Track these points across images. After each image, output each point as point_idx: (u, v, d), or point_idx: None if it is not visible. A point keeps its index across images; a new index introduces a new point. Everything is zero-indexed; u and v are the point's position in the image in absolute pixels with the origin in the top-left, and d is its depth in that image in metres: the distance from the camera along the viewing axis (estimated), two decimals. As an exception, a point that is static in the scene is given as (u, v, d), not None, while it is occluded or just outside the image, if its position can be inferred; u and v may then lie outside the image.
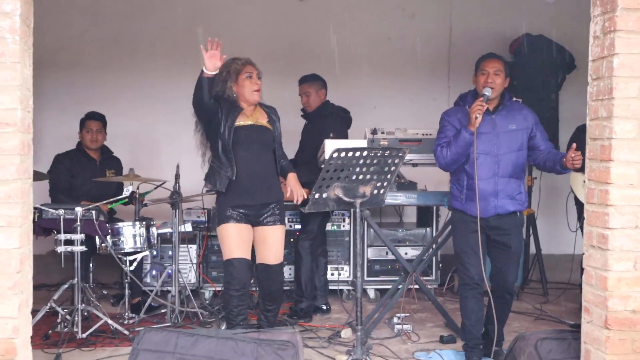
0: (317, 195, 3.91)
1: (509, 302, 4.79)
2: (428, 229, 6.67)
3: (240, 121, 4.63)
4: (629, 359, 3.34)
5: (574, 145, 4.29)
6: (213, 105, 4.52)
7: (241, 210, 4.61)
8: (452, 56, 7.64)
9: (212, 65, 4.27)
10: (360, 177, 3.97)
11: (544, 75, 7.10)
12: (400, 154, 4.03)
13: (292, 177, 4.76)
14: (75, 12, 7.36)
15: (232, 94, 4.64)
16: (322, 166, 4.01)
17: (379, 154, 3.95)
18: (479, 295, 4.62)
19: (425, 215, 6.81)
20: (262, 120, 4.74)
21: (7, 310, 3.11)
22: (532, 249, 7.04)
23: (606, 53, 3.36)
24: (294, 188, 4.70)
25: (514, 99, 4.79)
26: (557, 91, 7.25)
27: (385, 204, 5.97)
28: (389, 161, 4.01)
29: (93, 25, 7.45)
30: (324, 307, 6.11)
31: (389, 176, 4.09)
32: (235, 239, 4.59)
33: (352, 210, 6.06)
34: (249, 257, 4.66)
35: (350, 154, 3.84)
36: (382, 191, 4.13)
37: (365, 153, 3.89)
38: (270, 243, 4.70)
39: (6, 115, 3.08)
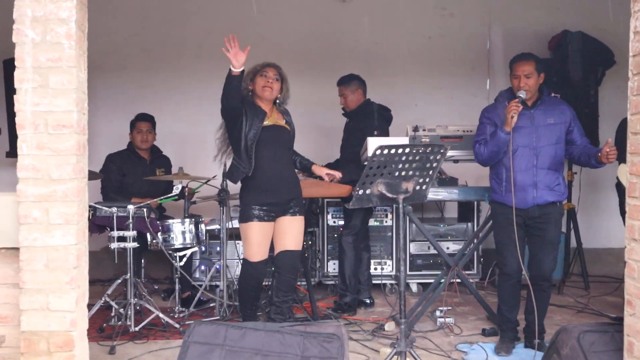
0: (360, 192, 4.00)
1: (548, 291, 4.91)
2: (469, 224, 6.73)
3: (264, 122, 4.82)
4: (671, 351, 3.36)
5: (609, 140, 4.40)
6: (240, 105, 4.73)
7: (265, 208, 4.79)
8: (492, 54, 7.65)
9: (238, 62, 4.51)
10: (403, 173, 4.05)
11: (583, 71, 7.07)
12: (442, 151, 4.10)
13: (316, 167, 5.07)
14: (124, 17, 7.54)
15: (247, 91, 4.85)
16: (366, 163, 4.10)
17: (420, 151, 4.02)
18: (517, 285, 4.84)
19: (466, 211, 6.87)
20: (281, 121, 4.94)
21: (65, 304, 3.25)
22: (573, 243, 7.06)
23: (646, 48, 3.39)
24: (326, 171, 5.00)
25: (552, 94, 4.90)
26: (596, 87, 7.22)
27: (427, 200, 6.08)
28: (431, 157, 4.09)
29: (141, 29, 7.63)
30: (368, 301, 6.21)
31: (430, 172, 4.16)
32: (258, 240, 4.81)
33: (394, 205, 6.16)
34: (266, 256, 4.89)
35: (392, 150, 3.92)
36: (424, 187, 4.21)
37: (407, 150, 3.96)
38: (291, 231, 4.90)
39: (63, 117, 3.22)
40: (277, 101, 4.96)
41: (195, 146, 7.26)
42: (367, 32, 7.67)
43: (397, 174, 4.03)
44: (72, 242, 3.25)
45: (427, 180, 4.19)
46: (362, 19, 7.67)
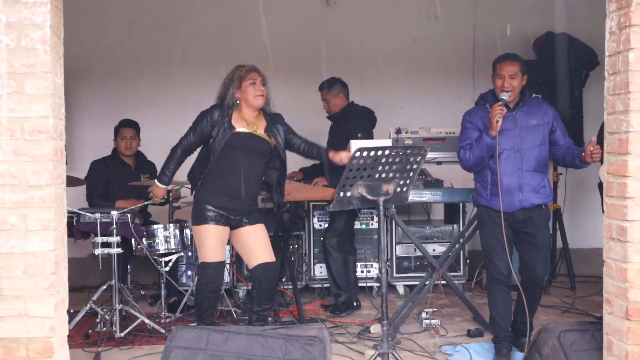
0: (341, 194, 4.00)
1: (538, 294, 4.87)
2: (455, 226, 6.74)
3: (240, 127, 4.72)
4: (650, 349, 3.38)
5: (593, 139, 4.38)
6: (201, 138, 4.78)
7: (221, 212, 4.70)
8: (477, 56, 7.67)
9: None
10: (383, 175, 4.05)
11: (567, 72, 7.12)
12: (422, 152, 4.11)
13: (332, 153, 4.75)
14: (109, 24, 7.51)
15: (233, 100, 4.72)
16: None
17: (400, 153, 4.02)
18: (507, 289, 4.74)
19: (452, 213, 6.88)
20: (261, 130, 4.80)
21: (44, 310, 3.24)
22: (559, 244, 7.09)
23: (622, 48, 3.42)
24: (341, 155, 4.63)
25: (534, 95, 4.88)
26: (580, 88, 7.26)
27: (411, 202, 6.12)
28: (411, 159, 4.09)
29: (127, 35, 7.62)
30: (354, 304, 6.21)
31: (411, 174, 4.16)
32: (214, 243, 4.70)
33: (386, 209, 6.19)
34: (223, 258, 4.82)
35: (372, 153, 3.92)
36: (405, 189, 4.21)
37: (387, 152, 3.96)
38: (259, 242, 4.80)
39: (39, 123, 3.21)
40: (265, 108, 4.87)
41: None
42: (353, 35, 7.70)
43: (377, 176, 4.03)
44: (50, 248, 3.25)
45: (408, 182, 4.19)
46: (348, 23, 7.70)
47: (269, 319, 5.38)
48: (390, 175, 4.08)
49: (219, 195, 4.69)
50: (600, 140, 4.23)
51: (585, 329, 3.94)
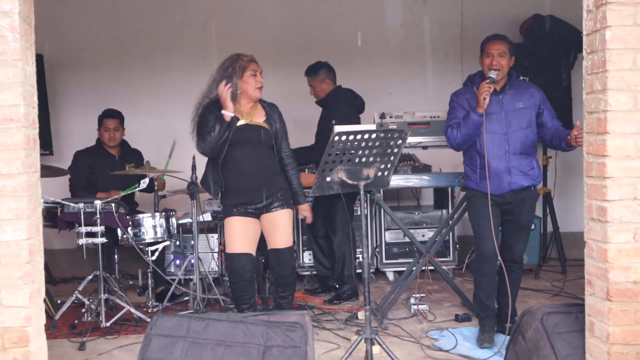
0: (320, 179, 3.98)
1: (519, 273, 4.91)
2: (444, 211, 6.71)
3: (239, 121, 4.68)
4: (632, 330, 3.34)
5: (578, 123, 4.36)
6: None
7: (242, 207, 4.71)
8: (465, 40, 7.61)
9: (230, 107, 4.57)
10: (364, 159, 4.02)
11: (555, 55, 7.07)
12: (402, 136, 4.08)
13: (303, 209, 4.98)
14: (95, 13, 7.49)
15: (236, 90, 4.66)
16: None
17: (381, 136, 3.99)
18: (492, 269, 4.77)
19: (442, 198, 6.86)
20: (258, 119, 4.78)
21: (19, 299, 3.20)
22: (550, 227, 7.06)
23: (599, 26, 3.37)
24: (309, 219, 5.04)
25: (521, 77, 4.87)
26: (568, 70, 7.21)
27: (398, 187, 6.12)
28: (391, 143, 4.06)
29: (112, 25, 7.57)
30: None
31: (392, 158, 4.13)
32: (238, 233, 4.70)
33: (368, 195, 6.15)
34: (252, 250, 4.76)
35: (351, 136, 3.90)
36: (386, 173, 4.18)
37: (366, 135, 3.93)
38: (277, 227, 4.77)
39: (10, 111, 3.16)
40: None
41: (170, 141, 7.22)
42: (340, 20, 7.66)
43: (357, 160, 4.00)
44: (23, 237, 3.21)
45: (389, 166, 4.17)
46: (335, 8, 7.66)
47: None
48: (371, 159, 4.06)
49: (234, 194, 4.71)
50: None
51: (569, 311, 3.90)
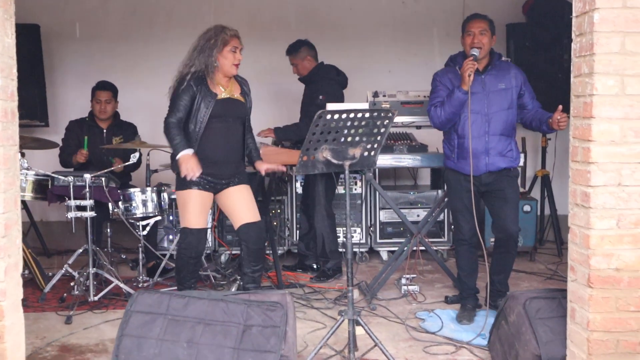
0: (305, 158, 3.93)
1: (513, 252, 4.89)
2: (440, 191, 6.65)
3: (220, 94, 4.69)
4: (612, 317, 3.31)
5: (560, 107, 4.35)
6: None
7: (208, 178, 4.67)
8: (466, 19, 7.52)
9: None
10: (349, 139, 3.97)
11: (556, 35, 6.97)
12: (388, 116, 4.02)
13: (258, 163, 4.94)
14: (94, -16, 7.47)
15: (214, 63, 4.63)
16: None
17: (366, 116, 3.94)
18: (473, 249, 4.85)
19: (438, 178, 6.81)
20: (236, 93, 4.79)
21: (-7, 274, 3.20)
22: (548, 210, 7.00)
23: (587, 8, 3.31)
24: (266, 167, 4.93)
25: (503, 58, 4.87)
26: (569, 51, 7.09)
27: (390, 166, 6.09)
28: (378, 122, 4.00)
29: (109, -3, 7.55)
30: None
31: (379, 138, 4.08)
32: (197, 208, 4.68)
33: (362, 174, 6.12)
34: (206, 225, 4.80)
35: (336, 116, 3.85)
36: (372, 153, 4.13)
37: (352, 115, 3.88)
38: (243, 202, 4.78)
39: (-14, 83, 3.14)
40: None
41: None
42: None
43: (343, 139, 3.95)
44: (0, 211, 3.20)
45: (376, 146, 4.12)
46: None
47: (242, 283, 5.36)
48: (357, 139, 4.01)
49: (204, 163, 4.63)
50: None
51: (553, 296, 3.89)
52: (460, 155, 4.68)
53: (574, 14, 3.49)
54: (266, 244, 6.08)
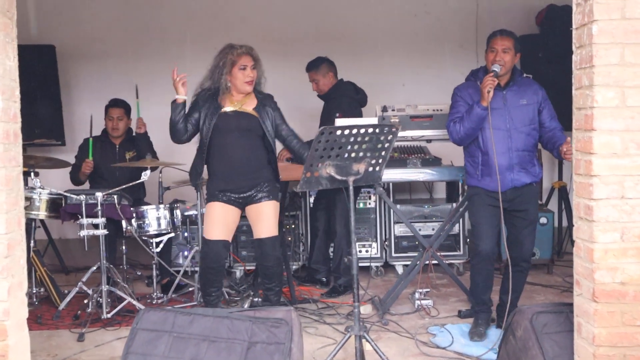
0: (308, 174, 3.93)
1: (526, 271, 4.88)
2: (454, 204, 6.61)
3: (227, 107, 4.74)
4: (618, 332, 3.26)
5: (569, 138, 4.31)
6: (189, 126, 4.80)
7: (228, 194, 4.73)
8: (480, 30, 7.50)
9: (184, 89, 4.70)
10: (353, 154, 3.96)
11: (569, 45, 6.88)
12: (392, 131, 4.01)
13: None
14: (106, 4, 7.54)
15: (226, 83, 4.69)
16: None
17: (369, 131, 3.93)
18: (490, 267, 4.78)
19: (453, 191, 6.77)
20: (248, 107, 4.79)
21: (-3, 293, 3.23)
22: (565, 222, 6.94)
23: (586, 20, 3.30)
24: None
25: (525, 75, 4.84)
26: (583, 63, 7.06)
27: (402, 180, 6.06)
28: (382, 138, 3.99)
29: (125, 15, 7.63)
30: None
31: (383, 153, 4.07)
32: (217, 219, 4.73)
33: (374, 188, 6.11)
34: (228, 238, 4.82)
35: (338, 132, 3.85)
36: (377, 168, 4.12)
37: (355, 131, 3.87)
38: (261, 217, 4.78)
39: (-13, 106, 3.18)
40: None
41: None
42: (352, 11, 7.58)
43: (346, 155, 3.95)
44: (1, 231, 3.21)
45: (380, 161, 4.10)
46: (348, 0, 7.58)
47: (257, 299, 5.38)
48: (361, 154, 4.00)
49: (219, 180, 4.74)
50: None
51: (560, 310, 3.82)
52: (485, 172, 4.64)
53: (573, 27, 3.48)
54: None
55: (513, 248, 4.77)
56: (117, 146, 6.41)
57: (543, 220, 6.33)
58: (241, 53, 4.71)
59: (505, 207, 4.66)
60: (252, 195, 4.76)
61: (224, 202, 4.73)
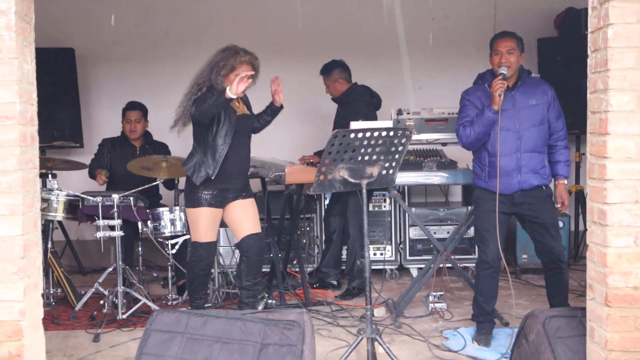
0: (321, 177, 3.95)
1: (564, 271, 4.78)
2: (470, 208, 6.59)
3: (237, 111, 4.85)
4: (631, 336, 3.24)
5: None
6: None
7: (215, 193, 4.77)
8: (498, 34, 7.47)
9: (239, 90, 4.48)
10: (367, 158, 3.98)
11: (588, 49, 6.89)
12: (405, 134, 4.02)
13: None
14: (127, 8, 7.58)
15: (221, 85, 4.70)
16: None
17: (383, 135, 3.95)
18: (495, 274, 4.69)
19: (469, 194, 6.75)
20: (244, 108, 4.95)
21: (13, 294, 3.24)
22: (582, 226, 6.90)
23: (602, 24, 3.29)
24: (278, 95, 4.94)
25: (533, 75, 4.79)
26: (603, 65, 7.04)
27: (415, 184, 6.08)
28: (395, 141, 4.01)
29: (143, 19, 7.68)
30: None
31: (397, 156, 4.08)
32: (207, 224, 4.83)
33: (389, 191, 6.11)
34: (215, 238, 4.98)
35: (352, 135, 3.86)
36: (390, 171, 4.13)
37: (368, 134, 3.89)
38: (247, 215, 4.90)
39: (5, 108, 3.21)
40: None
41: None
42: (370, 15, 7.58)
43: (360, 158, 3.96)
44: (18, 232, 3.25)
45: (394, 164, 4.12)
46: (364, 2, 7.58)
47: (272, 301, 5.41)
48: (374, 157, 4.02)
49: (220, 181, 4.76)
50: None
51: (573, 315, 3.81)
52: (492, 173, 4.57)
53: (589, 30, 3.47)
54: (295, 262, 6.17)
55: (542, 254, 4.73)
56: (138, 150, 6.46)
57: (560, 224, 6.28)
58: (243, 62, 4.72)
59: (516, 211, 4.66)
60: (241, 191, 4.91)
61: (210, 206, 4.79)
